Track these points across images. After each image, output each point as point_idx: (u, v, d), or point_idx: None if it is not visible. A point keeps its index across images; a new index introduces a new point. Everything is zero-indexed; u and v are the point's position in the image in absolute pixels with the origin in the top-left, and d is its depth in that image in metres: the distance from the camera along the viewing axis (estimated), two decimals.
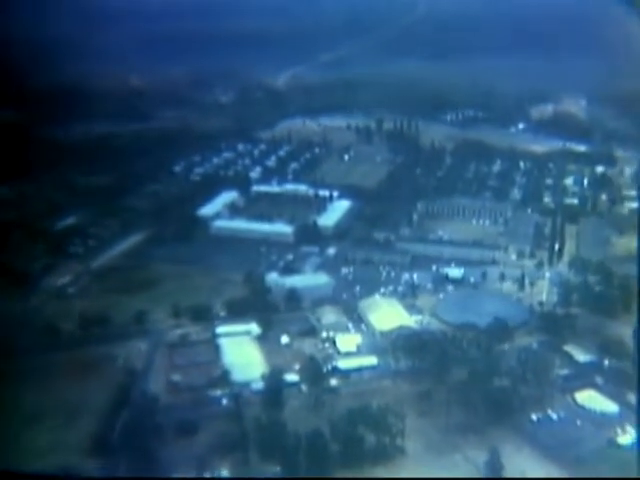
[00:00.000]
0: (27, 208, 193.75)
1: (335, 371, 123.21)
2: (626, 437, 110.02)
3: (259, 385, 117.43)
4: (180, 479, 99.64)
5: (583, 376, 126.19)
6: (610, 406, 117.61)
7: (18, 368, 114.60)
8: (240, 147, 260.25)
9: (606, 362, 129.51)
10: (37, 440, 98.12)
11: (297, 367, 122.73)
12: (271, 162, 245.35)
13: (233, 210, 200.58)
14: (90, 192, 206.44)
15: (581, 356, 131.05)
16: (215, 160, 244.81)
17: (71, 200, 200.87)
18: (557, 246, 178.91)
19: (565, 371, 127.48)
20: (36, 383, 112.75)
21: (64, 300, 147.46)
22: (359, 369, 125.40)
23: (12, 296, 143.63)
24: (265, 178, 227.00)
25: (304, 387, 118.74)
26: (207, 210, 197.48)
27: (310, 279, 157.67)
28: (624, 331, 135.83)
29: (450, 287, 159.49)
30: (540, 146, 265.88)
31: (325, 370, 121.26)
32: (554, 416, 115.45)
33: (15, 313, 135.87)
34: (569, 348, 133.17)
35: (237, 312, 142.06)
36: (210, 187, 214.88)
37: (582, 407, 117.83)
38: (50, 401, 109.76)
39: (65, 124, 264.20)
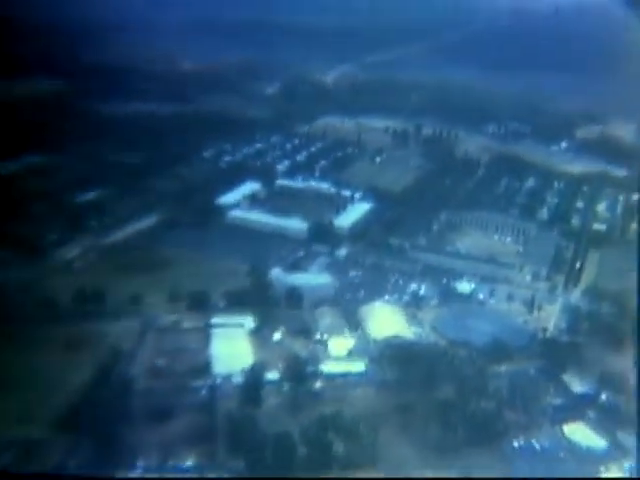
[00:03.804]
0: (54, 179, 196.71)
1: (319, 374, 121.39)
2: (608, 477, 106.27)
3: (240, 379, 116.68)
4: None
5: (576, 408, 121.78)
6: (598, 442, 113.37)
7: (4, 337, 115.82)
8: (274, 139, 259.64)
9: (603, 396, 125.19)
10: (5, 409, 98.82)
11: (281, 365, 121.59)
12: (301, 157, 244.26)
13: (253, 201, 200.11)
14: (117, 169, 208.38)
15: (578, 387, 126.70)
16: (246, 149, 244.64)
17: (98, 175, 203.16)
18: (575, 271, 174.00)
19: (558, 400, 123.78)
20: (19, 354, 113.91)
21: (67, 274, 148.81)
22: (345, 374, 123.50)
23: (18, 267, 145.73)
24: (292, 172, 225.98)
25: (285, 386, 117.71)
26: (227, 198, 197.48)
27: (314, 278, 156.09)
28: (628, 366, 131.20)
29: (457, 301, 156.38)
30: (579, 166, 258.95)
31: (309, 371, 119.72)
32: (537, 445, 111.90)
33: (16, 283, 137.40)
34: (567, 377, 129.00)
35: (235, 303, 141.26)
36: (236, 176, 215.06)
37: (568, 440, 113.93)
38: (29, 373, 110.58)
39: (110, 100, 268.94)
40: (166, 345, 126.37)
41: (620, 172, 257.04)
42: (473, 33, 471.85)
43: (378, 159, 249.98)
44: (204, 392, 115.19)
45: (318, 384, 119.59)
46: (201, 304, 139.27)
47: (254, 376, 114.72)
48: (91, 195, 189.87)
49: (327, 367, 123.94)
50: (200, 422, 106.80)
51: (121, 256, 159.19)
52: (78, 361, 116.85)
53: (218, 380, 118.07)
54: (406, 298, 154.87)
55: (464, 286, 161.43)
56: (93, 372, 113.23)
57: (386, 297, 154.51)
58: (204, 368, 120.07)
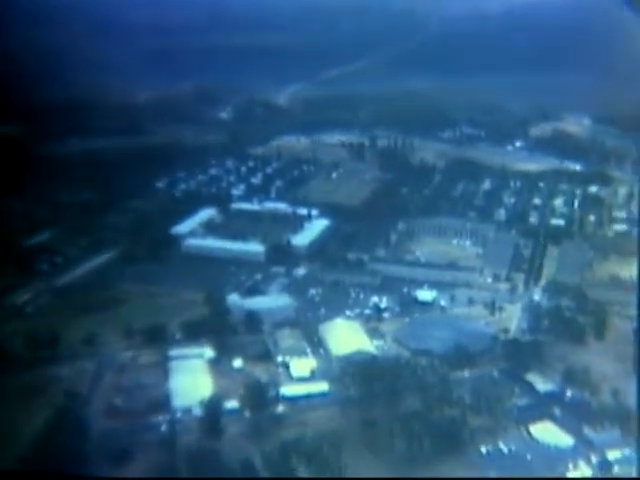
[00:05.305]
0: (5, 224, 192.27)
1: (280, 398, 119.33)
2: (576, 473, 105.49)
3: (200, 411, 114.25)
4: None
5: (541, 407, 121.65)
6: (565, 439, 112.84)
7: None
8: (228, 164, 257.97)
9: (568, 393, 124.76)
10: None
11: (242, 392, 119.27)
12: (257, 179, 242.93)
13: (210, 228, 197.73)
14: (70, 208, 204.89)
15: (542, 385, 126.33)
16: (200, 177, 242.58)
17: (50, 216, 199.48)
18: (535, 269, 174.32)
19: (523, 401, 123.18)
20: None
21: (20, 320, 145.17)
22: (308, 396, 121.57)
23: None
24: (248, 196, 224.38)
25: (247, 413, 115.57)
26: (183, 228, 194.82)
27: (272, 301, 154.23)
28: (592, 359, 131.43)
29: (419, 310, 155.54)
30: (534, 165, 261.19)
31: (270, 396, 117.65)
32: (505, 449, 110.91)
33: None
34: (531, 377, 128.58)
35: (193, 334, 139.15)
36: (191, 204, 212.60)
37: (535, 440, 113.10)
38: None
39: (63, 139, 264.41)
40: (123, 383, 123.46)
41: (575, 166, 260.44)
42: (423, 41, 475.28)
43: (334, 174, 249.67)
44: (164, 427, 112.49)
45: (280, 408, 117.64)
46: (158, 338, 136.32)
47: (214, 406, 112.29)
48: (42, 237, 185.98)
49: (289, 390, 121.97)
50: (159, 459, 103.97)
51: (74, 297, 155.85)
52: (34, 407, 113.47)
53: (178, 414, 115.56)
54: (367, 312, 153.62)
55: (425, 294, 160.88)
56: (49, 417, 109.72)
57: (347, 312, 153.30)
58: (163, 403, 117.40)
